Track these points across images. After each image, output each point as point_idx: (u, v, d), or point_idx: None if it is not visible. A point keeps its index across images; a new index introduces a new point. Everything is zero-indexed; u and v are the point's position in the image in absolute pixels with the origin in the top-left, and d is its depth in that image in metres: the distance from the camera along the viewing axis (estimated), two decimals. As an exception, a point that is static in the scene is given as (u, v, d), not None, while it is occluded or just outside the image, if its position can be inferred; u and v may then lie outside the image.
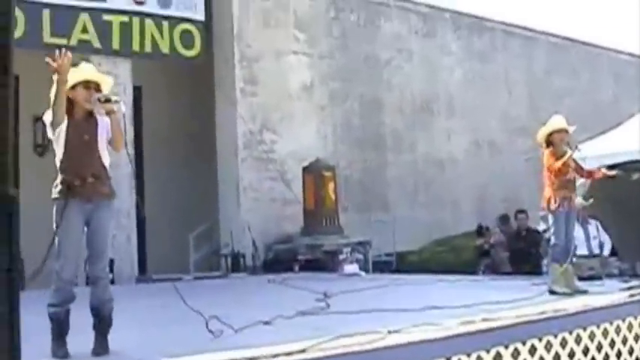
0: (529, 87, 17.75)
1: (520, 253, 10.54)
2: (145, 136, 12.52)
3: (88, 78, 4.37)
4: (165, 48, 11.86)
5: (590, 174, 7.04)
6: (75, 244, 4.22)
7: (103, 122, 4.35)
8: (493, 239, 11.24)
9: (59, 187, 4.26)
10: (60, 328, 4.20)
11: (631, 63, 19.72)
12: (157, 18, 11.73)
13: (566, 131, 6.85)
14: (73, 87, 4.31)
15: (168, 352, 3.90)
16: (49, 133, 4.35)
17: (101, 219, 4.29)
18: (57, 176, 4.31)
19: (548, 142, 6.83)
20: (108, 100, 4.31)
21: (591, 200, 9.74)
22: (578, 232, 8.42)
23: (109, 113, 4.32)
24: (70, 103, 4.32)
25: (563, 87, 18.04)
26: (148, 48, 11.65)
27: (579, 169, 6.92)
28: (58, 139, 4.29)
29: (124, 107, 4.40)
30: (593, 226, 10.01)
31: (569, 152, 6.70)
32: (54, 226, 4.20)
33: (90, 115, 4.35)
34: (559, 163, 6.67)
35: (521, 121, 16.34)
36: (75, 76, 4.34)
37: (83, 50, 10.81)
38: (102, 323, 4.25)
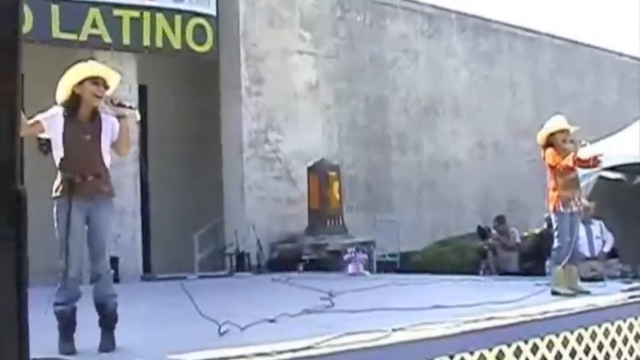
0: (534, 89, 17.76)
1: (531, 252, 10.49)
2: (150, 135, 12.55)
3: (95, 73, 4.34)
4: (176, 43, 11.88)
5: (586, 162, 6.93)
6: (78, 242, 4.21)
7: (108, 122, 4.33)
8: (490, 240, 11.26)
9: (60, 185, 4.25)
10: (66, 325, 4.20)
11: (635, 65, 19.69)
12: (168, 13, 11.74)
13: (568, 131, 6.83)
14: (81, 82, 4.29)
15: (175, 348, 3.94)
16: (43, 135, 4.34)
17: (101, 217, 4.29)
18: (57, 175, 4.29)
19: (549, 143, 6.81)
20: (121, 104, 4.31)
21: (593, 203, 9.78)
22: (581, 231, 8.42)
23: (119, 117, 4.32)
24: (77, 100, 4.30)
25: (568, 89, 18.04)
26: (158, 43, 11.68)
27: (578, 160, 6.83)
28: (56, 138, 4.26)
29: (139, 116, 4.37)
30: (597, 225, 10.01)
31: (580, 145, 6.65)
32: (55, 224, 4.21)
33: (94, 113, 4.32)
34: (568, 160, 6.59)
35: (526, 123, 16.31)
36: (82, 71, 4.34)
37: (93, 45, 10.88)
38: (107, 319, 4.28)
